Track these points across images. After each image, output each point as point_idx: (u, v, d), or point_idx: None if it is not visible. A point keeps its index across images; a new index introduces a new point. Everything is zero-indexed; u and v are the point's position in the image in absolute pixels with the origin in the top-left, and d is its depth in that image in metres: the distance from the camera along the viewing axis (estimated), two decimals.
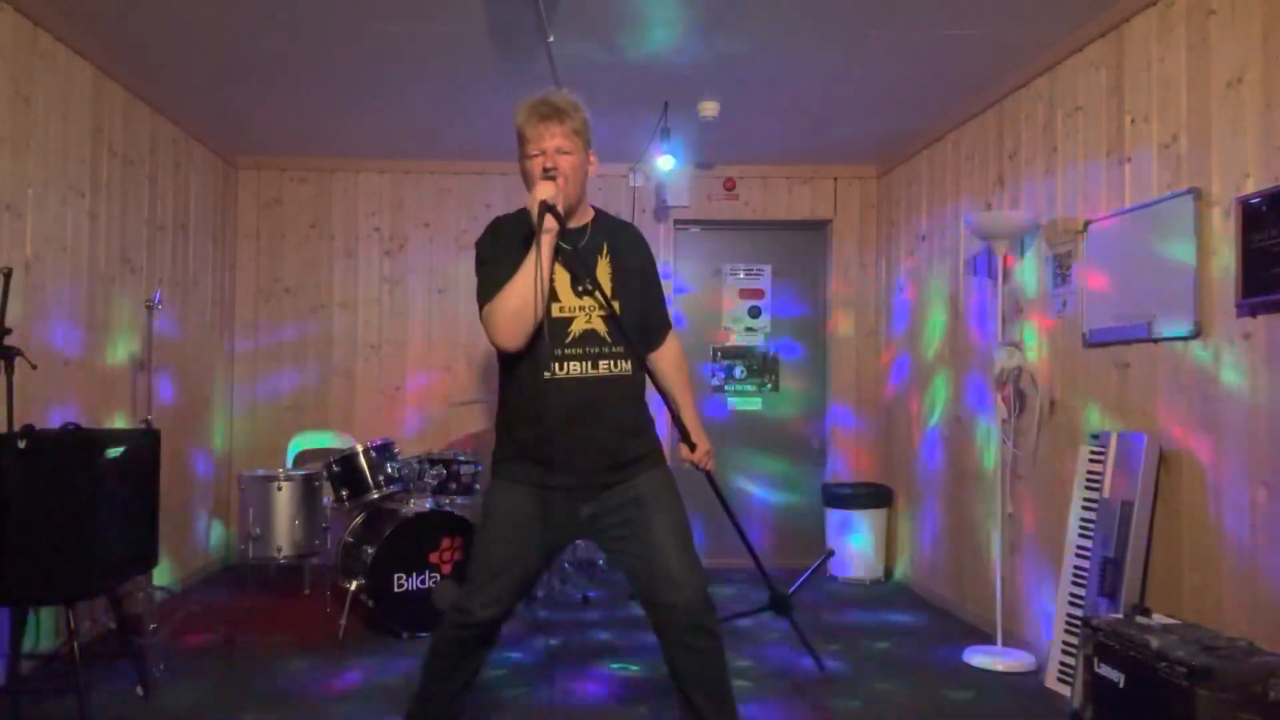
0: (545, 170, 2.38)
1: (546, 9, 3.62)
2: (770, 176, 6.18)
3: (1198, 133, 3.14)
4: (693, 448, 2.56)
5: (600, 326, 2.42)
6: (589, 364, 2.41)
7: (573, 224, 2.45)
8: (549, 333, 2.35)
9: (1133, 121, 3.49)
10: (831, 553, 3.14)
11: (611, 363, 2.42)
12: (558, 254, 2.39)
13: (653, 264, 2.64)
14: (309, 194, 6.05)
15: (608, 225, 2.57)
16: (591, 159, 2.51)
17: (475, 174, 6.06)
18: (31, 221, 3.70)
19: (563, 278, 2.42)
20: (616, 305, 2.43)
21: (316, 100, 4.86)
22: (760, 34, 3.94)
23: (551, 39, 3.86)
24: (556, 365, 2.38)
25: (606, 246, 2.50)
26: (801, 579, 3.31)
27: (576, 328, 2.41)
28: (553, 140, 2.39)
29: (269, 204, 6.04)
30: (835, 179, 6.21)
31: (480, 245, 2.50)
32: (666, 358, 2.69)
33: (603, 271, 2.47)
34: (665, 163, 5.25)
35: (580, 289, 2.42)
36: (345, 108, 4.97)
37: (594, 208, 2.58)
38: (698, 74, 4.42)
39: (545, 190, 2.32)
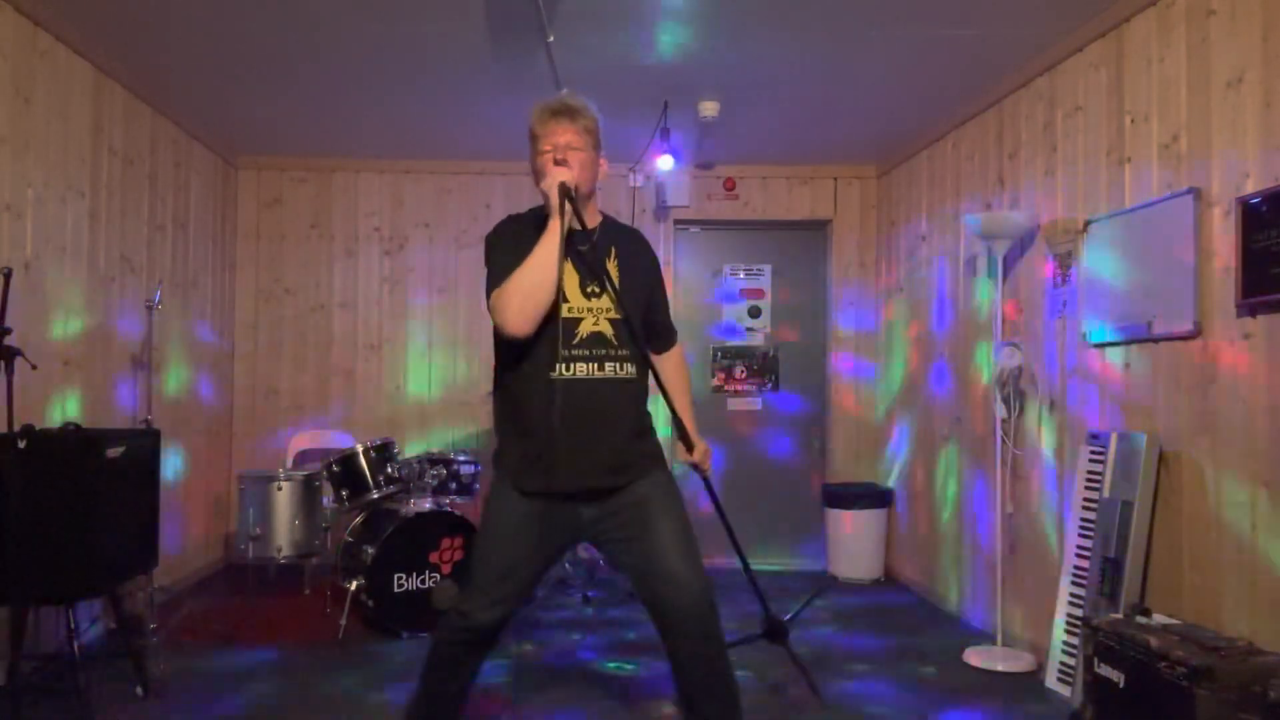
0: (556, 161, 2.38)
1: (546, 9, 3.62)
2: (770, 176, 6.17)
3: (1198, 133, 3.14)
4: (690, 449, 2.55)
5: (607, 329, 2.41)
6: (595, 365, 2.40)
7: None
8: (562, 331, 2.34)
9: (1133, 121, 3.49)
10: (833, 579, 3.09)
11: (617, 365, 2.41)
12: (567, 254, 2.37)
13: (659, 271, 2.64)
14: (309, 194, 6.05)
15: (615, 230, 2.56)
16: (602, 162, 2.51)
17: (475, 174, 6.05)
18: (31, 221, 3.70)
19: (572, 279, 2.40)
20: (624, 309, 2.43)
21: (316, 100, 4.86)
22: (760, 34, 3.94)
23: (551, 39, 3.87)
24: (563, 366, 2.37)
25: (614, 251, 2.50)
26: (799, 609, 3.27)
27: (584, 329, 2.40)
28: (563, 135, 2.39)
29: (269, 204, 6.04)
30: (835, 179, 6.20)
31: (492, 237, 2.48)
32: (670, 361, 2.70)
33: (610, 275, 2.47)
34: (665, 163, 5.25)
35: (589, 290, 2.41)
36: (345, 108, 4.97)
37: (602, 213, 2.58)
38: (698, 74, 4.42)
39: (562, 174, 2.33)
